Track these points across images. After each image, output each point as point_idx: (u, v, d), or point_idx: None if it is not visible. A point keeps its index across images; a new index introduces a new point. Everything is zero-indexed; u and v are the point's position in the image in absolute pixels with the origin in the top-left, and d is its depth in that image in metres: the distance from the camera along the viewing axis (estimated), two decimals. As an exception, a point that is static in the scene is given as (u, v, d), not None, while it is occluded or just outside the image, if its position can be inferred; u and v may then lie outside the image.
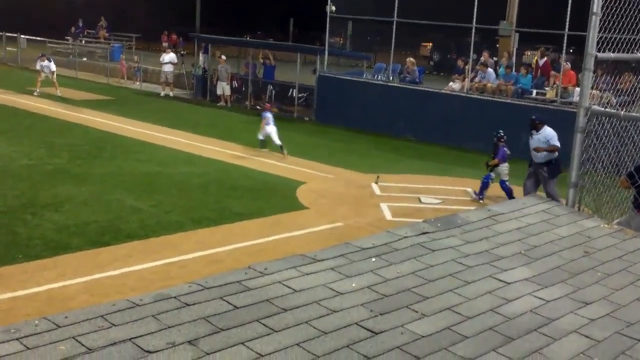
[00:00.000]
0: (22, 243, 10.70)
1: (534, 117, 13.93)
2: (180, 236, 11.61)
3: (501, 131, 14.98)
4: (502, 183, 14.82)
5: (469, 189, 15.73)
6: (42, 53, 31.09)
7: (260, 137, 19.36)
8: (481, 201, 14.78)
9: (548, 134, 13.35)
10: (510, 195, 14.63)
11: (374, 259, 4.42)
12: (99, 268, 9.89)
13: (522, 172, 13.89)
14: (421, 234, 5.04)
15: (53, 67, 28.95)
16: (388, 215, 13.64)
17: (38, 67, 29.11)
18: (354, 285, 4.02)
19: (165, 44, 45.30)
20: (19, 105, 25.10)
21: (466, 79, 22.91)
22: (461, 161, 19.59)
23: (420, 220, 5.49)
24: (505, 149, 14.79)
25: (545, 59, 23.18)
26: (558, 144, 13.13)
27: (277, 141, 18.71)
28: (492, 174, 14.85)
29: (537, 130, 13.42)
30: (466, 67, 23.17)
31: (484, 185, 14.87)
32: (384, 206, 14.22)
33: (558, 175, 12.86)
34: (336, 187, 15.71)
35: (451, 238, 5.03)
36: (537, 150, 13.32)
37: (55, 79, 28.65)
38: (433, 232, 5.12)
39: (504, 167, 14.78)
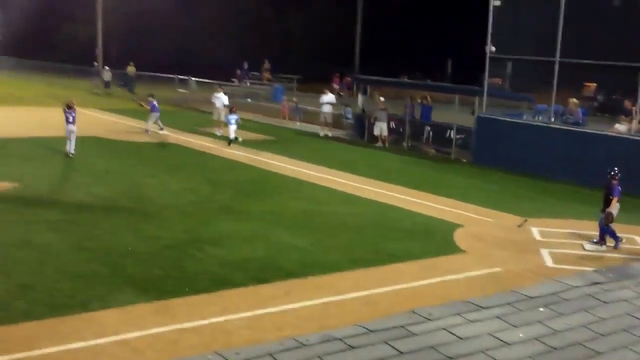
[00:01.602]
0: (189, 277, 11.21)
1: None
2: (337, 275, 11.73)
3: (616, 168, 14.34)
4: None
5: (637, 237, 14.91)
6: (219, 84, 33.12)
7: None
8: (621, 243, 14.14)
9: None
10: (613, 235, 14.02)
11: (542, 309, 4.29)
12: (260, 304, 10.16)
13: None
14: (592, 284, 4.84)
15: (226, 100, 30.42)
16: (549, 262, 13.15)
17: (214, 100, 30.62)
18: (521, 335, 3.91)
19: (336, 86, 46.36)
20: (187, 144, 26.49)
21: (634, 121, 21.86)
22: (627, 207, 18.59)
23: (587, 268, 5.26)
24: (619, 187, 14.09)
25: None
26: None
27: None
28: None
29: None
30: (634, 108, 22.11)
31: (611, 231, 14.08)
32: (544, 252, 13.73)
33: None
34: (494, 230, 15.37)
35: (624, 290, 4.80)
36: None
37: (224, 117, 30.04)
38: (604, 282, 4.90)
39: (616, 207, 14.04)
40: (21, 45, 69.90)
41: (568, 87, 27.36)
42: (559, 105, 24.60)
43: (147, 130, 28.46)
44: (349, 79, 48.93)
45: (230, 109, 28.03)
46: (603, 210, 14.23)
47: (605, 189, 14.36)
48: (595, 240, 14.26)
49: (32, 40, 73.33)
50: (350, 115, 32.34)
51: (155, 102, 28.77)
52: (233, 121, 26.57)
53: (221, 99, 30.62)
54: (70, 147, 21.76)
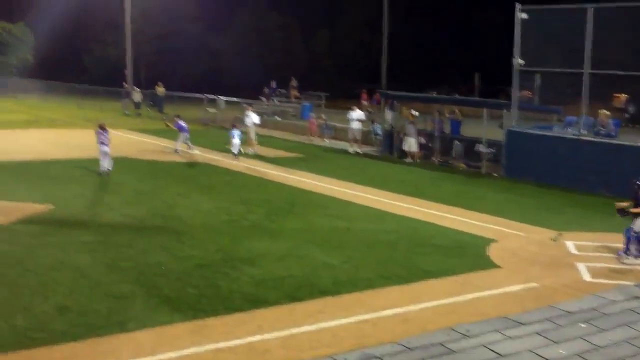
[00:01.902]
0: (223, 296, 11.26)
1: None
2: (371, 293, 11.70)
3: None
4: (630, 231, 13.84)
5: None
6: (249, 103, 33.61)
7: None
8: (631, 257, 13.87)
9: None
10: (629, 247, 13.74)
11: (583, 325, 4.26)
12: (294, 323, 10.17)
13: None
14: (632, 298, 4.80)
15: (256, 119, 30.70)
16: (586, 276, 12.99)
17: (246, 121, 30.96)
18: (562, 351, 3.88)
19: (365, 102, 46.31)
20: (218, 163, 26.70)
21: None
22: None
23: (626, 282, 5.21)
24: None
25: None
26: None
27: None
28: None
29: None
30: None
31: (637, 240, 13.87)
32: (580, 266, 13.57)
33: None
34: (528, 245, 15.24)
35: (667, 305, 4.74)
36: None
37: (255, 136, 30.30)
38: (646, 298, 4.85)
39: None
40: (52, 68, 71.12)
41: (598, 99, 27.13)
42: (589, 117, 24.40)
43: (176, 150, 28.73)
44: (378, 95, 49.01)
45: (233, 125, 29.09)
46: (623, 214, 14.12)
47: (634, 200, 14.14)
48: (620, 252, 14.08)
49: (63, 63, 74.70)
50: (379, 131, 32.36)
51: (182, 122, 29.04)
52: (236, 136, 27.70)
53: (251, 117, 30.85)
54: (104, 167, 22.25)
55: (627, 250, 14.00)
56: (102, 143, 22.27)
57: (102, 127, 22.72)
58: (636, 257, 13.94)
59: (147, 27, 68.23)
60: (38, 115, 46.97)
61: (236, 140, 27.50)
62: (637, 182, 14.11)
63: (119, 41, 64.94)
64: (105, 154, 22.30)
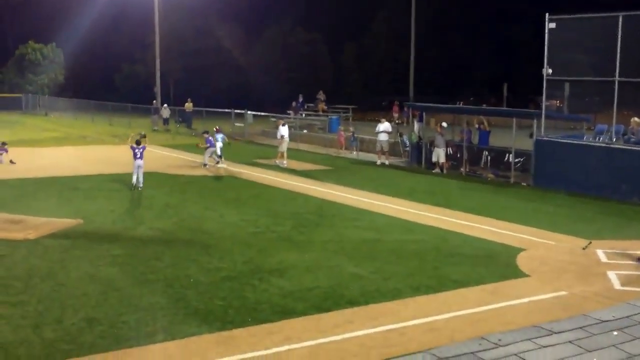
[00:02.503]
0: (251, 307, 11.23)
1: None
2: (399, 303, 11.61)
3: None
4: None
5: None
6: (280, 117, 34.18)
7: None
8: None
9: None
10: None
11: (615, 333, 4.16)
12: (322, 333, 10.10)
13: None
14: (666, 305, 4.69)
15: (285, 132, 31.04)
16: (617, 285, 12.77)
17: (279, 136, 31.31)
18: None
19: (395, 115, 46.26)
20: (246, 176, 26.78)
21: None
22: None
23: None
24: None
25: None
26: None
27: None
28: None
29: None
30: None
31: None
32: (611, 274, 13.36)
33: None
34: (558, 254, 15.04)
35: (701, 311, 4.63)
36: None
37: (285, 148, 30.47)
38: (680, 304, 4.73)
39: None
40: (82, 87, 72.13)
41: (628, 107, 26.82)
42: (620, 125, 24.13)
43: (205, 164, 28.87)
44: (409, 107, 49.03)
45: (216, 129, 30.47)
46: None
47: None
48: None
49: (93, 81, 75.71)
50: (407, 143, 32.27)
51: (210, 137, 29.23)
52: (219, 139, 29.49)
53: (281, 131, 31.07)
54: (139, 181, 22.69)
55: None
56: (137, 157, 22.74)
57: (139, 142, 23.32)
58: None
59: (175, 44, 68.90)
60: (69, 132, 47.61)
61: (219, 144, 29.14)
62: None
63: (147, 58, 65.71)
64: (139, 167, 22.75)
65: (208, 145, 29.05)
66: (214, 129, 30.45)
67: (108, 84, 75.33)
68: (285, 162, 29.90)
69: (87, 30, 68.64)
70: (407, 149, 32.21)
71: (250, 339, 9.84)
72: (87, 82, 74.88)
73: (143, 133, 26.24)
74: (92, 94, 65.35)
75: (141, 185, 22.70)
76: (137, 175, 22.68)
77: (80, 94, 66.99)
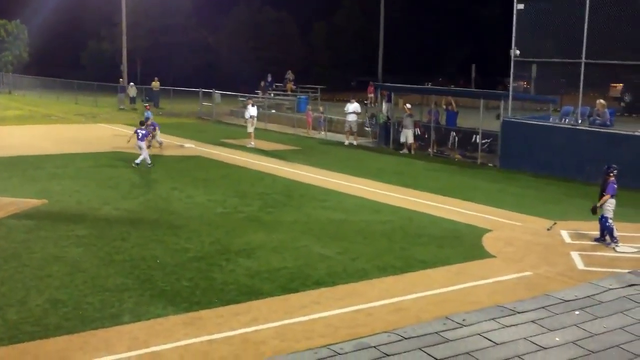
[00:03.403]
0: (218, 288, 11.21)
1: None
2: (365, 283, 11.67)
3: (614, 165, 14.41)
4: (605, 220, 14.05)
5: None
6: (248, 97, 33.92)
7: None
8: (617, 245, 14.01)
9: None
10: (611, 234, 13.95)
11: (577, 312, 4.21)
12: (289, 314, 10.13)
13: None
14: (627, 286, 4.74)
15: (254, 112, 30.76)
16: (580, 265, 12.98)
17: (245, 115, 31.10)
18: (557, 339, 3.83)
19: (371, 95, 46.24)
20: (213, 156, 26.62)
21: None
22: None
23: (620, 270, 5.16)
24: (614, 184, 14.13)
25: None
26: None
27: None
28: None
29: None
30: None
31: (610, 229, 14.01)
32: (575, 255, 13.56)
33: None
34: (523, 234, 15.21)
35: (662, 291, 4.70)
36: None
37: (253, 129, 30.21)
38: (641, 284, 4.80)
39: (610, 204, 14.06)
40: (48, 65, 70.92)
41: (594, 88, 27.11)
42: (586, 107, 24.37)
43: (160, 143, 28.00)
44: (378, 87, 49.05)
45: (145, 107, 30.97)
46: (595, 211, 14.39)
47: (601, 185, 14.29)
48: (608, 242, 14.10)
49: (59, 59, 74.44)
50: (368, 123, 32.31)
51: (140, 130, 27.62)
52: (149, 115, 29.16)
53: (249, 111, 30.81)
54: (147, 160, 23.18)
55: (604, 239, 14.27)
56: (139, 138, 23.22)
57: (143, 123, 24.08)
58: (608, 244, 14.13)
59: (142, 22, 68.01)
60: (33, 111, 46.89)
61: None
62: (606, 168, 14.43)
63: (114, 36, 64.83)
64: (141, 148, 23.24)
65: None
66: (145, 107, 31.16)
67: (74, 62, 74.22)
68: (252, 142, 29.73)
69: (53, 6, 67.45)
70: (368, 129, 32.21)
71: (217, 320, 9.83)
72: (52, 60, 73.62)
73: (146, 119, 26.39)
74: (58, 72, 64.33)
75: (138, 162, 23.05)
76: (142, 154, 23.20)
77: (46, 72, 65.91)
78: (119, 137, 27.57)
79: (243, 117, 31.02)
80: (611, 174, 14.32)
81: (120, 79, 56.10)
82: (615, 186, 14.27)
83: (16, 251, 13.08)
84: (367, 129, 32.62)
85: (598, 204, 14.32)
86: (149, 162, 23.10)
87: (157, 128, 27.59)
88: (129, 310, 10.12)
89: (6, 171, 21.90)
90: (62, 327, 9.45)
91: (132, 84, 53.61)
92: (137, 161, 22.99)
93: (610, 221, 14.04)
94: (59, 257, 12.76)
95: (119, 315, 9.89)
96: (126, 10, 57.67)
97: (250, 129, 30.30)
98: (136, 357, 8.56)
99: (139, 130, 23.41)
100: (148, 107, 31.82)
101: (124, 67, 58.31)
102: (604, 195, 14.21)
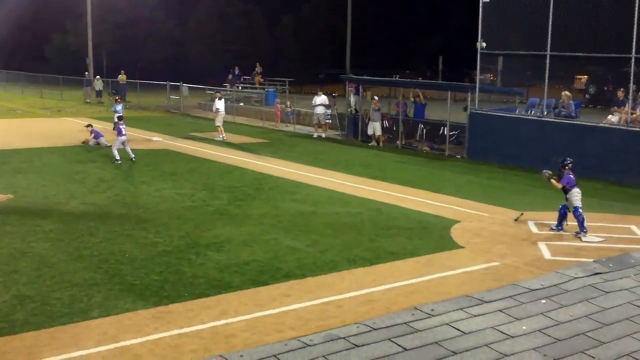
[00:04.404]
0: (188, 281, 11.18)
1: None
2: (335, 275, 11.72)
3: (569, 159, 14.90)
4: (575, 210, 14.36)
5: (634, 226, 15.06)
6: (217, 90, 34.75)
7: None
8: (561, 231, 14.57)
9: None
10: (581, 224, 14.26)
11: (543, 301, 4.28)
12: (259, 307, 10.14)
13: None
14: (592, 274, 4.84)
15: (221, 105, 30.49)
16: (547, 255, 13.16)
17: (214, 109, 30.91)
18: (524, 328, 3.90)
19: (351, 89, 46.20)
20: (181, 150, 26.48)
21: (627, 111, 21.89)
22: (622, 197, 18.76)
23: (586, 259, 5.25)
24: (571, 175, 14.59)
25: None
26: None
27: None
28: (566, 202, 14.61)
29: None
30: (626, 98, 22.15)
31: (580, 219, 14.32)
32: (542, 245, 13.74)
33: None
34: (491, 225, 15.37)
35: (625, 279, 4.80)
36: None
37: (221, 121, 29.95)
38: (605, 272, 4.90)
39: (575, 193, 14.46)
40: (11, 58, 69.81)
41: (560, 80, 27.41)
42: (552, 99, 24.66)
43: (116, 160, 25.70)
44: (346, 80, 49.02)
45: (116, 100, 31.54)
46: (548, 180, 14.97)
47: (558, 176, 14.90)
48: (576, 231, 14.37)
49: (23, 52, 73.31)
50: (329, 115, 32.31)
51: (95, 129, 27.25)
52: (119, 108, 29.63)
53: (216, 104, 30.57)
54: (129, 154, 23.11)
55: (561, 227, 14.71)
56: (123, 134, 22.96)
57: (120, 118, 23.73)
58: (558, 229, 14.68)
59: (108, 14, 67.24)
60: (-3, 104, 46.20)
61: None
62: (560, 162, 14.95)
63: (79, 29, 63.98)
64: (125, 142, 23.13)
65: (93, 135, 26.76)
66: (115, 100, 31.34)
67: (38, 55, 73.15)
68: (222, 135, 29.62)
69: (16, -2, 66.39)
70: (329, 121, 32.18)
71: (186, 314, 9.81)
72: (16, 53, 72.53)
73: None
74: (22, 66, 63.43)
75: (133, 156, 23.12)
76: (126, 148, 23.15)
77: (9, 66, 64.95)
78: (84, 131, 27.25)
79: (212, 110, 30.88)
80: (566, 167, 14.77)
81: (87, 72, 55.51)
82: (572, 176, 14.65)
83: (-19, 247, 12.91)
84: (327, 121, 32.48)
85: (550, 178, 14.87)
86: (118, 158, 22.75)
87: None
88: (97, 305, 10.06)
89: (-30, 166, 21.59)
90: (30, 322, 9.36)
91: (98, 77, 53.08)
92: (121, 157, 22.88)
93: (579, 210, 14.28)
94: (26, 252, 12.62)
95: (87, 311, 9.82)
96: (91, 1, 57.00)
97: (219, 122, 30.16)
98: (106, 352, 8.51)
99: (121, 126, 23.04)
100: (118, 99, 31.58)
101: (90, 60, 57.67)
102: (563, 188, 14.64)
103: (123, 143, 23.07)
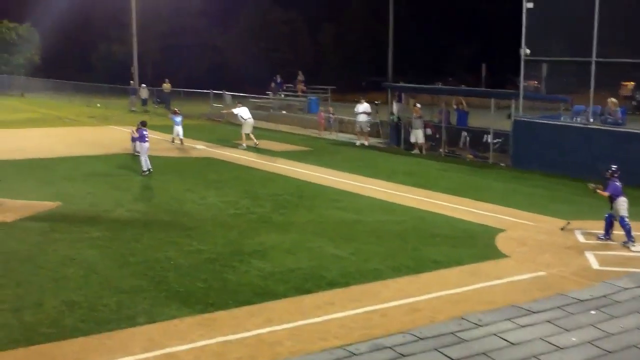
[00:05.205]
0: (232, 289, 11.26)
1: None
2: (379, 284, 11.68)
3: (613, 167, 14.63)
4: (622, 220, 14.08)
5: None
6: (239, 100, 34.21)
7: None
8: (609, 241, 14.30)
9: None
10: (628, 233, 13.96)
11: (593, 312, 4.23)
12: (303, 315, 10.15)
13: None
14: (643, 285, 4.76)
15: (243, 112, 30.45)
16: (595, 264, 12.93)
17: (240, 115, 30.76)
18: (574, 339, 3.87)
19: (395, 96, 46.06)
20: (225, 157, 26.70)
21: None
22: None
23: (635, 270, 5.18)
24: (617, 183, 14.36)
25: None
26: None
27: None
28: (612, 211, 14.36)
29: None
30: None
31: (627, 228, 14.05)
32: (589, 254, 13.52)
33: None
34: (537, 234, 15.18)
35: (677, 291, 4.71)
36: None
37: (249, 130, 29.91)
38: (656, 284, 4.82)
39: (622, 202, 14.23)
40: (59, 67, 71.20)
41: (605, 87, 26.99)
42: (597, 106, 24.30)
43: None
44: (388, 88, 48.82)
45: (174, 112, 31.11)
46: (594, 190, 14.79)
47: (603, 185, 14.69)
48: (624, 241, 14.11)
49: (70, 61, 74.75)
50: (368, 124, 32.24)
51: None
52: (178, 121, 30.11)
53: (240, 112, 30.49)
54: (147, 164, 22.23)
55: (609, 237, 14.46)
56: (146, 140, 22.36)
57: (144, 124, 23.09)
58: (606, 238, 14.44)
59: (152, 23, 68.22)
60: (45, 113, 47.13)
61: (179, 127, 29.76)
62: (608, 170, 14.66)
63: (124, 38, 65.00)
64: (148, 149, 22.42)
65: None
66: (174, 110, 31.35)
67: (84, 64, 74.50)
68: (244, 144, 29.44)
69: (62, 9, 67.66)
70: (368, 129, 32.01)
71: (231, 321, 9.87)
72: (63, 63, 73.97)
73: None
74: (69, 75, 64.63)
75: (150, 168, 22.24)
76: (146, 158, 22.30)
77: (57, 75, 66.24)
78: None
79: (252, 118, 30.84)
80: (613, 175, 14.54)
81: (132, 81, 56.33)
82: (618, 184, 14.42)
83: (31, 253, 13.19)
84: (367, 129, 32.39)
85: (596, 189, 14.72)
86: (147, 169, 22.20)
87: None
88: (144, 311, 10.19)
89: (20, 174, 22.05)
90: (78, 328, 9.52)
91: (143, 85, 53.77)
92: (144, 169, 22.20)
93: (626, 220, 14.06)
94: (74, 259, 12.85)
95: (134, 317, 9.96)
96: (136, 11, 57.87)
97: (245, 130, 29.88)
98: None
99: (144, 132, 22.61)
100: (177, 111, 30.93)
101: (135, 69, 58.52)
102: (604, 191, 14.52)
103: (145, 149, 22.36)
